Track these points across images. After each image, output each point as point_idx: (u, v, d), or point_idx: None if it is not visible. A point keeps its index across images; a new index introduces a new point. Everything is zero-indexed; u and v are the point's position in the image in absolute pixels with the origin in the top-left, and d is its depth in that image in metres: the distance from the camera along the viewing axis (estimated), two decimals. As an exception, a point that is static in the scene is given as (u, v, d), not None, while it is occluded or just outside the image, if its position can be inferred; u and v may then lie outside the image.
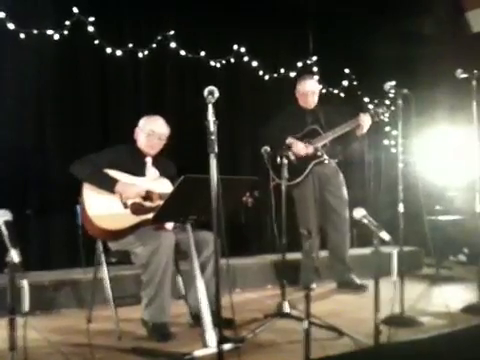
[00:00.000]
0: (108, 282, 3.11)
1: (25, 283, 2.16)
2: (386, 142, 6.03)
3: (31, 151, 4.18)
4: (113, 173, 3.11)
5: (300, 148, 4.14)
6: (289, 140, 4.14)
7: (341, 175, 4.34)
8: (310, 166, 4.18)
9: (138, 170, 3.24)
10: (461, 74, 3.58)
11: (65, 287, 3.67)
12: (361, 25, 5.66)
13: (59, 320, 3.40)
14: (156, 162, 3.36)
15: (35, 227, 4.18)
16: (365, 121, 4.12)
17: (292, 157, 4.10)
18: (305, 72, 5.02)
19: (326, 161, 4.23)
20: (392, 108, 4.10)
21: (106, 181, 3.05)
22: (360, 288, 4.14)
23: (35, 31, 4.14)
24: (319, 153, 4.19)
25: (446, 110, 5.82)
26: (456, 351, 2.82)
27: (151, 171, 3.33)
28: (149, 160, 3.33)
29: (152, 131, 3.28)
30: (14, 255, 2.07)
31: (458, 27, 6.22)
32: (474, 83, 3.54)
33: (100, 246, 3.15)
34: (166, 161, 3.45)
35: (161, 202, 2.94)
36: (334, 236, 4.30)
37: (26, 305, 2.12)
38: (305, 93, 4.27)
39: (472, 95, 3.55)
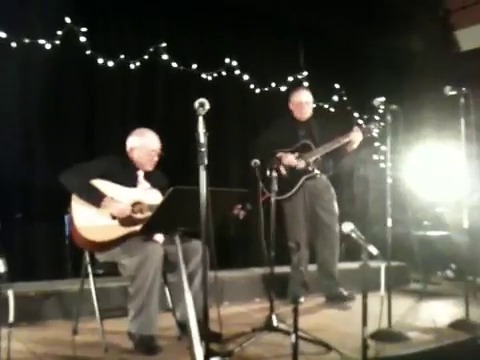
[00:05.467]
0: (95, 294, 3.08)
1: (10, 293, 2.13)
2: (375, 157, 6.08)
3: (19, 159, 4.15)
4: (104, 183, 3.10)
5: (290, 159, 4.16)
6: (279, 153, 4.16)
7: (332, 189, 4.35)
8: (301, 180, 4.20)
9: (129, 182, 3.23)
10: (449, 91, 3.62)
11: (51, 298, 3.62)
12: (351, 41, 5.73)
13: (44, 331, 3.35)
14: (148, 175, 3.36)
15: (21, 236, 4.13)
16: (357, 137, 4.15)
17: (283, 171, 4.12)
18: (296, 87, 5.06)
19: (317, 176, 4.25)
20: (381, 124, 4.13)
21: (93, 196, 3.03)
22: (348, 299, 4.13)
23: (26, 40, 4.13)
24: (310, 168, 4.21)
25: (434, 126, 5.89)
26: (443, 366, 2.83)
27: (142, 184, 3.32)
28: (141, 173, 3.34)
29: (152, 150, 3.31)
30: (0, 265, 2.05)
31: (447, 45, 6.33)
32: (462, 100, 3.58)
33: (87, 257, 3.12)
34: (157, 173, 3.44)
35: (150, 213, 2.93)
36: (324, 250, 4.30)
37: (11, 316, 2.10)
38: (300, 103, 4.30)
39: (460, 112, 3.60)
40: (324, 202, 4.29)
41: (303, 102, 4.29)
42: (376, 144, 6.00)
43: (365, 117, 5.96)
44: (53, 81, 4.29)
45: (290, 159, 4.17)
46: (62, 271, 3.95)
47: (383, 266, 3.11)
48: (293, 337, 2.31)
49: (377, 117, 5.42)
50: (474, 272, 4.52)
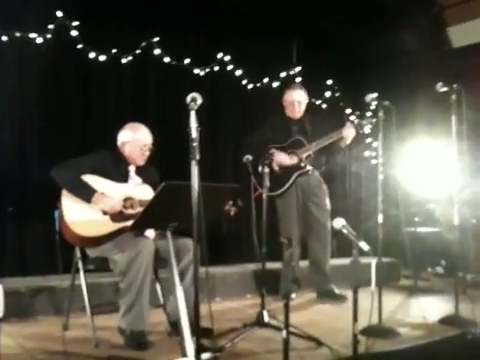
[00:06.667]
0: (85, 289, 3.07)
1: (0, 289, 2.12)
2: (367, 153, 6.09)
3: (11, 154, 4.12)
4: (95, 178, 3.08)
5: (282, 158, 4.17)
6: (271, 150, 4.15)
7: (325, 186, 4.36)
8: (293, 176, 4.20)
9: (121, 177, 3.22)
10: (441, 88, 3.63)
11: (42, 294, 3.60)
12: (344, 38, 5.73)
13: (35, 327, 3.33)
14: (139, 170, 3.35)
15: (12, 232, 4.11)
16: (349, 133, 4.15)
17: (276, 167, 4.12)
18: (288, 82, 5.06)
19: (310, 172, 4.25)
20: (373, 120, 4.14)
21: (84, 191, 3.01)
22: (340, 298, 4.15)
23: (18, 34, 4.10)
24: (303, 164, 4.21)
25: (426, 123, 5.91)
26: (433, 362, 2.84)
27: (134, 179, 3.31)
28: (132, 168, 3.32)
29: (144, 145, 3.29)
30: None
31: (439, 42, 6.34)
32: (453, 97, 3.59)
33: (78, 253, 3.11)
34: (149, 168, 3.43)
35: (141, 209, 2.92)
36: (316, 247, 4.30)
37: (1, 311, 2.09)
38: (292, 102, 4.29)
39: (451, 109, 3.61)
40: (317, 198, 4.29)
41: (295, 101, 4.29)
42: (368, 140, 6.01)
43: (357, 113, 5.96)
44: (44, 75, 4.25)
45: (282, 158, 4.17)
46: (53, 267, 3.92)
47: (374, 262, 3.13)
48: (284, 333, 2.31)
49: (369, 113, 5.44)
50: (464, 268, 4.55)
